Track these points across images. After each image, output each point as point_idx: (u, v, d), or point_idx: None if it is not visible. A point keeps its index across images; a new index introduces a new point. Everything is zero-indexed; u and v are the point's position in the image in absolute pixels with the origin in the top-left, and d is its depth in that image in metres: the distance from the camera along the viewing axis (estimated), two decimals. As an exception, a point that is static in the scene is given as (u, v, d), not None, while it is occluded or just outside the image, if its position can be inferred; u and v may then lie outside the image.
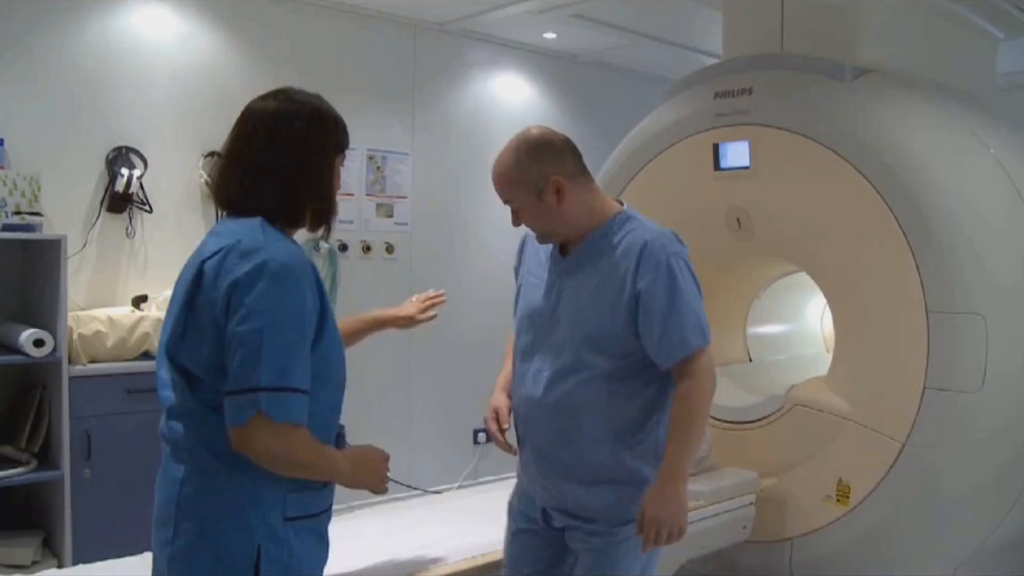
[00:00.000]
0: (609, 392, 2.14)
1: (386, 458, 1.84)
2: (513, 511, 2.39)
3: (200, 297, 1.63)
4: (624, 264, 2.13)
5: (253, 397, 1.54)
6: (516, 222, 2.23)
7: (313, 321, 1.64)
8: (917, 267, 3.11)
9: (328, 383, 1.71)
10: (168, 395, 1.68)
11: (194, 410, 1.64)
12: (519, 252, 2.41)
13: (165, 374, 1.69)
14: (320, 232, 1.81)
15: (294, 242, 1.72)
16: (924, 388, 3.08)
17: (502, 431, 2.25)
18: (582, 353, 2.15)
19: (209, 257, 1.63)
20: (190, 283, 1.65)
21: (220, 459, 1.62)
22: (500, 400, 2.31)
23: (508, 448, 2.26)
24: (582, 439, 2.16)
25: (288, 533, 1.65)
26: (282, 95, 1.86)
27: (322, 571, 1.79)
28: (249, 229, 1.66)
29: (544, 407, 2.18)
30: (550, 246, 2.27)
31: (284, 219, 1.72)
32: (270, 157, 1.72)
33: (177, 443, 1.67)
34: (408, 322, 2.51)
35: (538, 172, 2.16)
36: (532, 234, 2.29)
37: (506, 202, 2.21)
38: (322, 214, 1.78)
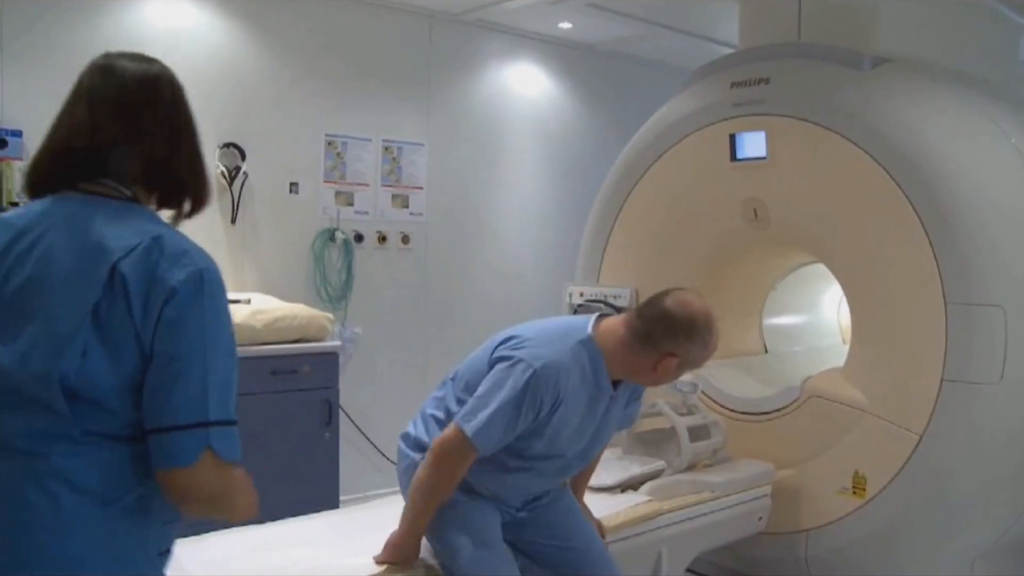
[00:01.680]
0: None
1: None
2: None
3: (116, 307, 1.34)
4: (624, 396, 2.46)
5: (204, 432, 1.33)
6: None
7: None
8: (935, 258, 3.08)
9: None
10: (25, 420, 1.35)
11: (80, 441, 1.34)
12: (557, 396, 2.21)
13: (34, 393, 1.34)
14: (189, 213, 1.58)
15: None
16: (942, 380, 3.07)
17: None
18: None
19: (123, 256, 1.36)
20: (97, 289, 1.34)
21: (110, 501, 1.36)
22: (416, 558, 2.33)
23: None
24: None
25: (159, 567, 1.48)
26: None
27: None
28: (146, 220, 1.45)
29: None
30: (590, 387, 2.31)
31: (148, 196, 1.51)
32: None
33: (52, 483, 1.33)
34: None
35: None
36: (571, 382, 2.24)
37: None
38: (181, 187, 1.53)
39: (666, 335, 2.22)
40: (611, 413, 2.41)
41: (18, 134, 3.53)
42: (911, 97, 3.32)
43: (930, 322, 3.10)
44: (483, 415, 2.16)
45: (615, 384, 2.35)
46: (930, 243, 3.10)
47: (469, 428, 2.16)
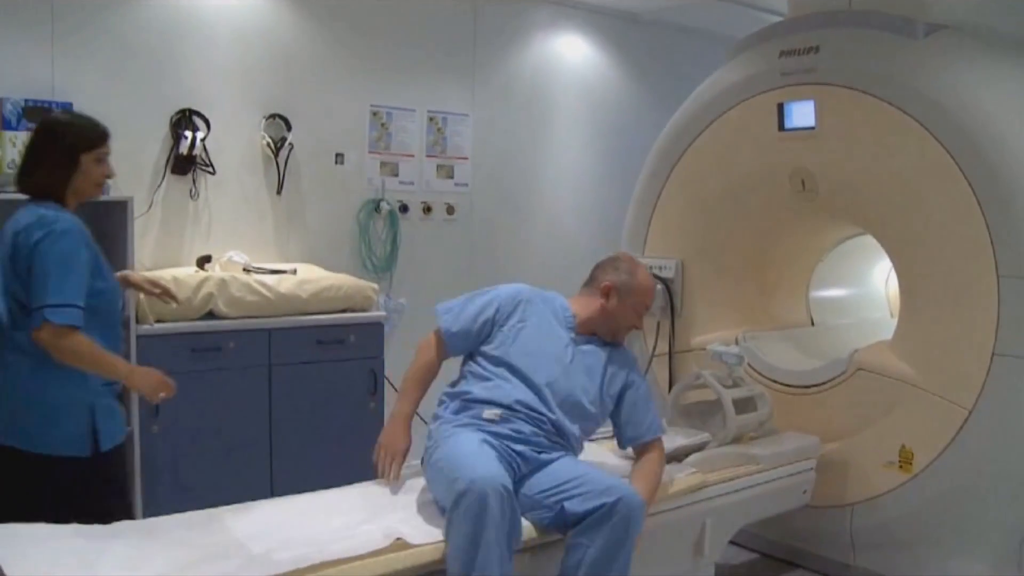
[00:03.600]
0: None
1: (166, 383, 2.56)
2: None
3: (17, 256, 2.41)
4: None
5: (42, 311, 2.33)
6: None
7: (87, 268, 2.43)
8: (988, 231, 3.03)
9: (101, 312, 2.50)
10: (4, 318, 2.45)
11: (23, 327, 2.41)
12: (515, 300, 2.83)
13: (2, 306, 2.46)
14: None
15: (73, 216, 2.47)
16: (993, 354, 3.03)
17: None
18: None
19: (20, 231, 2.41)
20: (8, 249, 2.43)
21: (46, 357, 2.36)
22: (404, 441, 2.82)
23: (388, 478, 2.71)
24: None
25: (106, 392, 2.53)
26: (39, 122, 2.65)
27: (119, 434, 2.59)
28: (43, 210, 2.44)
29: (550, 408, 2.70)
30: (559, 319, 2.83)
31: (53, 199, 2.48)
32: (33, 158, 2.52)
33: (16, 349, 2.43)
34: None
35: None
36: (538, 301, 2.85)
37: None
38: (64, 192, 2.50)
39: (600, 273, 2.92)
40: (583, 359, 2.77)
41: (68, 106, 3.58)
42: (967, 66, 3.25)
43: (981, 295, 3.05)
44: (453, 302, 2.89)
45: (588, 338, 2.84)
46: (983, 215, 3.05)
47: (439, 307, 2.91)
